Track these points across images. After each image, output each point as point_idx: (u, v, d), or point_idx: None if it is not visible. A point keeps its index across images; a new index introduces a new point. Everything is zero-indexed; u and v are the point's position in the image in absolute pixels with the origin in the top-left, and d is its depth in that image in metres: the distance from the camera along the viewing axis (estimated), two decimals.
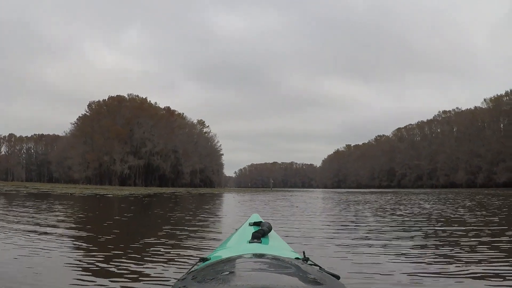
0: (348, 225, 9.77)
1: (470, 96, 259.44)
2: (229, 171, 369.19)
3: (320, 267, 2.14)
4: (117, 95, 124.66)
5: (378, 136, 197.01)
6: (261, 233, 2.81)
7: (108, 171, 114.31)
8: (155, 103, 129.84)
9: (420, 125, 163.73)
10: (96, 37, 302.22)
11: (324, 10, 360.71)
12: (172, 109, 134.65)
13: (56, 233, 8.12)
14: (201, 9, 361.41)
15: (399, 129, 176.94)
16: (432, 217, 12.66)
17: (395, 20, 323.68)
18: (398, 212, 14.90)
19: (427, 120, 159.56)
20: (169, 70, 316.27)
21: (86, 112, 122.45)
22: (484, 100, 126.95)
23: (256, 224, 3.16)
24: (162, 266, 5.15)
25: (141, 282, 4.39)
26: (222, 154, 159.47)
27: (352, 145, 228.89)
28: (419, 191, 66.12)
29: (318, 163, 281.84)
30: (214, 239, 7.23)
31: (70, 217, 12.35)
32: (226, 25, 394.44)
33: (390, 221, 11.07)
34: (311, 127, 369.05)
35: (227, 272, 1.79)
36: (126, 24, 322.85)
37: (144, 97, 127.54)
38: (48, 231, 8.29)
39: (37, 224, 9.70)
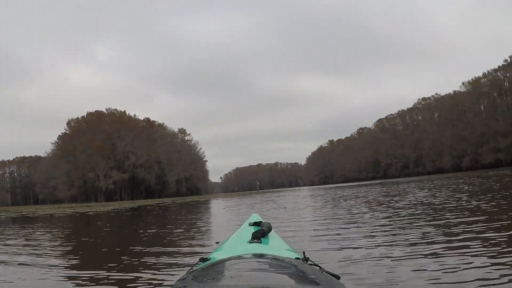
0: (346, 225, 9.37)
1: (445, 81, 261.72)
2: (215, 177, 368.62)
3: (320, 267, 2.17)
4: (95, 111, 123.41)
5: (360, 129, 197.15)
6: (261, 233, 2.85)
7: (93, 188, 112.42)
8: (134, 115, 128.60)
9: (401, 114, 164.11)
10: (67, 55, 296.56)
11: (290, 7, 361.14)
12: (151, 120, 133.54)
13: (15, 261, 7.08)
14: (166, 17, 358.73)
15: (380, 120, 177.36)
16: (433, 207, 11.91)
17: (362, 11, 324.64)
18: (394, 205, 14.02)
19: (407, 108, 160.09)
20: (143, 82, 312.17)
21: (66, 130, 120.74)
22: (463, 83, 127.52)
23: (256, 224, 3.20)
24: None
25: None
26: (206, 161, 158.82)
27: (335, 140, 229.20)
28: (408, 180, 65.56)
29: (302, 161, 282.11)
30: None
31: (32, 240, 10.96)
32: (193, 32, 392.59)
33: (389, 216, 10.53)
34: (291, 126, 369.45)
35: (227, 272, 1.80)
36: (95, 40, 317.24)
37: (123, 110, 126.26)
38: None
39: None
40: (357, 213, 12.06)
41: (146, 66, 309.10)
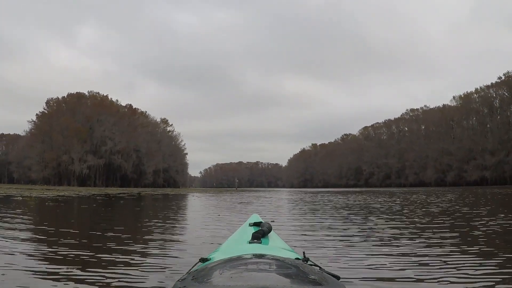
0: (346, 227, 9.09)
1: (433, 94, 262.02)
2: (195, 171, 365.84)
3: (320, 267, 2.22)
4: (76, 92, 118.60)
5: (345, 135, 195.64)
6: (261, 233, 2.88)
7: (66, 171, 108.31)
8: (117, 100, 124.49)
9: (387, 123, 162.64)
10: (51, 35, 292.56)
11: (279, 6, 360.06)
12: (134, 107, 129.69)
13: None
14: (154, 6, 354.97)
15: (365, 128, 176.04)
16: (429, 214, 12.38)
17: (354, 18, 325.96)
18: (392, 212, 14.21)
19: (394, 118, 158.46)
20: (128, 69, 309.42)
21: (44, 109, 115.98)
22: (453, 97, 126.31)
23: (256, 224, 3.24)
24: None
25: None
26: (186, 154, 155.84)
27: (318, 144, 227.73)
28: (389, 190, 63.07)
29: (284, 162, 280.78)
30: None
31: None
32: (180, 23, 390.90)
33: (387, 221, 10.57)
34: (274, 126, 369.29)
35: (227, 273, 1.81)
36: (80, 22, 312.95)
37: (105, 95, 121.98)
38: None
39: None
40: (356, 219, 11.58)
41: (132, 53, 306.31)
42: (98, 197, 29.33)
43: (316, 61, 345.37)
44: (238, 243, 2.87)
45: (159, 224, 9.93)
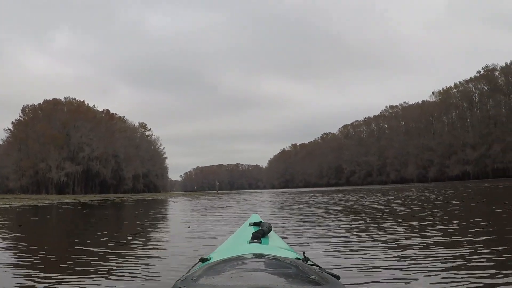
0: (346, 227, 8.97)
1: (412, 91, 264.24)
2: (175, 175, 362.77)
3: (320, 267, 2.23)
4: (52, 99, 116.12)
5: (324, 134, 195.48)
6: (261, 233, 2.89)
7: (44, 179, 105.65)
8: (94, 106, 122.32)
9: (367, 121, 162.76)
10: (24, 41, 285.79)
11: (255, 7, 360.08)
12: (111, 112, 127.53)
13: None
14: (128, 9, 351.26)
15: (345, 126, 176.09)
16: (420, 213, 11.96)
17: (330, 17, 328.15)
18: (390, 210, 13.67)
19: (373, 116, 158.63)
20: (104, 74, 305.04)
21: (20, 117, 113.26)
22: (433, 93, 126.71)
23: (256, 224, 3.24)
24: None
25: None
26: (166, 158, 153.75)
27: (298, 144, 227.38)
28: (374, 188, 62.07)
29: (264, 163, 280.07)
30: None
31: None
32: (156, 25, 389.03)
33: (384, 219, 10.29)
34: (253, 128, 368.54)
35: (227, 272, 1.82)
36: (54, 28, 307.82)
37: (81, 100, 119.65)
38: None
39: None
40: (354, 218, 11.32)
41: (108, 57, 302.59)
42: (65, 206, 27.38)
43: (294, 61, 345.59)
44: (238, 243, 2.84)
45: (99, 241, 7.83)
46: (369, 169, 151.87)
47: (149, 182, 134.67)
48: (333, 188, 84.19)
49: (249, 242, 2.73)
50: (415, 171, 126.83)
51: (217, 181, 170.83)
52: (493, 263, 4.51)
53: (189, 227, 10.32)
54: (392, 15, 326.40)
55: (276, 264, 1.93)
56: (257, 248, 2.53)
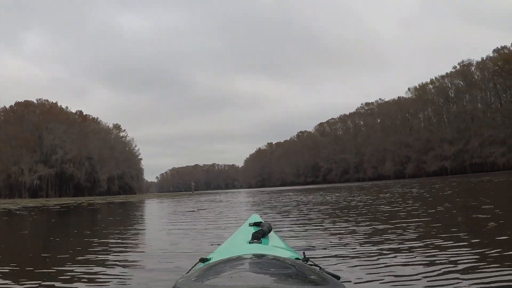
0: (345, 226, 8.82)
1: (385, 88, 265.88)
2: (151, 176, 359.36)
3: (320, 267, 2.24)
4: (24, 101, 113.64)
5: (300, 132, 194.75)
6: (261, 233, 2.90)
7: (17, 182, 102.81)
8: (66, 107, 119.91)
9: (343, 118, 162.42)
10: None
11: (228, 6, 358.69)
12: (84, 113, 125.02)
13: None
14: (99, 9, 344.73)
15: (321, 124, 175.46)
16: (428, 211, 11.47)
17: (303, 15, 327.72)
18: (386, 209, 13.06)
19: (349, 113, 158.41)
20: (77, 75, 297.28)
21: None
22: (408, 89, 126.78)
23: (256, 224, 3.25)
24: None
25: None
26: (141, 159, 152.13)
27: (274, 143, 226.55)
28: (355, 185, 61.67)
29: (240, 163, 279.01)
30: None
31: None
32: (129, 26, 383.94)
33: (383, 218, 10.18)
34: (228, 127, 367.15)
35: (227, 273, 1.82)
36: (25, 29, 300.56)
37: (54, 102, 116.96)
38: None
39: None
40: (353, 216, 11.30)
41: (80, 59, 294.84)
42: (17, 212, 25.17)
43: (268, 60, 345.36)
44: (238, 243, 2.83)
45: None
46: (345, 166, 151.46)
47: (125, 184, 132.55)
48: (311, 187, 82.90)
49: (249, 242, 2.71)
50: (393, 168, 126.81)
51: (193, 182, 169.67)
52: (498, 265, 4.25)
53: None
54: (366, 13, 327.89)
55: (276, 264, 1.92)
56: (257, 248, 2.53)
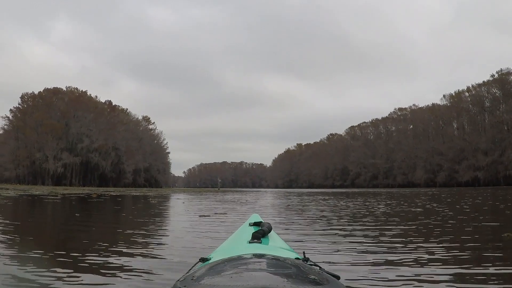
0: (347, 227, 8.69)
1: (414, 96, 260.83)
2: (179, 171, 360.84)
3: (320, 267, 2.23)
4: (53, 87, 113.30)
5: (331, 134, 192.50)
6: (261, 233, 2.87)
7: (40, 169, 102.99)
8: (96, 96, 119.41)
9: (375, 122, 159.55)
10: (25, 31, 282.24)
11: (259, 5, 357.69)
12: (114, 103, 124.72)
13: None
14: (129, 1, 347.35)
15: (352, 127, 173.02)
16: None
17: (335, 18, 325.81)
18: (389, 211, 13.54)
19: (381, 117, 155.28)
20: (105, 66, 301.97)
21: (19, 105, 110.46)
22: (444, 96, 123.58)
23: (256, 224, 3.21)
24: None
25: None
26: (169, 153, 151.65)
27: (303, 144, 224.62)
28: (391, 191, 59.61)
29: (268, 162, 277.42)
30: None
31: None
32: (158, 19, 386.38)
33: (388, 221, 10.08)
34: (257, 126, 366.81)
35: (227, 272, 1.82)
36: (52, 18, 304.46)
37: (83, 90, 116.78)
38: None
39: None
40: (358, 218, 11.18)
41: (108, 49, 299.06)
42: (26, 198, 23.98)
43: (297, 61, 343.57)
44: (238, 243, 2.79)
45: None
46: (375, 171, 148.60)
47: (151, 177, 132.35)
48: (342, 190, 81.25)
49: (249, 242, 2.69)
50: (423, 176, 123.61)
51: (219, 179, 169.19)
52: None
53: None
54: (398, 18, 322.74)
55: (276, 264, 1.93)
56: (257, 248, 2.49)
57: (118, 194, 39.63)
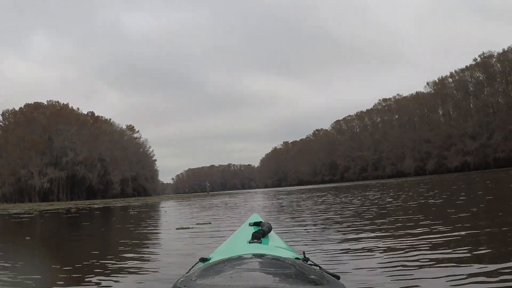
0: (346, 226, 8.39)
1: (400, 84, 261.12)
2: (167, 177, 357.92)
3: (320, 267, 2.25)
4: (34, 102, 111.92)
5: (316, 130, 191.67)
6: (261, 233, 2.89)
7: (26, 186, 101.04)
8: (78, 108, 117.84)
9: (360, 115, 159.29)
10: (2, 48, 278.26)
11: (241, 4, 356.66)
12: (96, 114, 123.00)
13: None
14: (105, 8, 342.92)
15: (337, 122, 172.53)
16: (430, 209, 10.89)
17: (317, 13, 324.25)
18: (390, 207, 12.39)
19: (366, 110, 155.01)
20: (86, 77, 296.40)
21: (0, 122, 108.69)
22: (427, 83, 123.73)
23: (256, 224, 3.22)
24: None
25: None
26: (155, 160, 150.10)
27: (289, 142, 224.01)
28: (381, 182, 59.07)
29: (256, 163, 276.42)
30: None
31: None
32: (135, 25, 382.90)
33: (387, 218, 9.35)
34: (243, 127, 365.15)
35: (227, 272, 1.83)
36: (30, 32, 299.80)
37: (65, 103, 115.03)
38: None
39: None
40: (358, 216, 10.30)
41: (88, 60, 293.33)
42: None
43: (281, 58, 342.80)
44: (238, 243, 2.80)
45: None
46: (364, 164, 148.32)
47: (139, 186, 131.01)
48: (332, 185, 79.79)
49: (249, 242, 2.71)
50: (413, 164, 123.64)
51: (208, 183, 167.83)
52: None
53: None
54: (379, 10, 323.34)
55: (276, 264, 1.93)
56: (257, 248, 2.50)
57: (101, 206, 37.67)
